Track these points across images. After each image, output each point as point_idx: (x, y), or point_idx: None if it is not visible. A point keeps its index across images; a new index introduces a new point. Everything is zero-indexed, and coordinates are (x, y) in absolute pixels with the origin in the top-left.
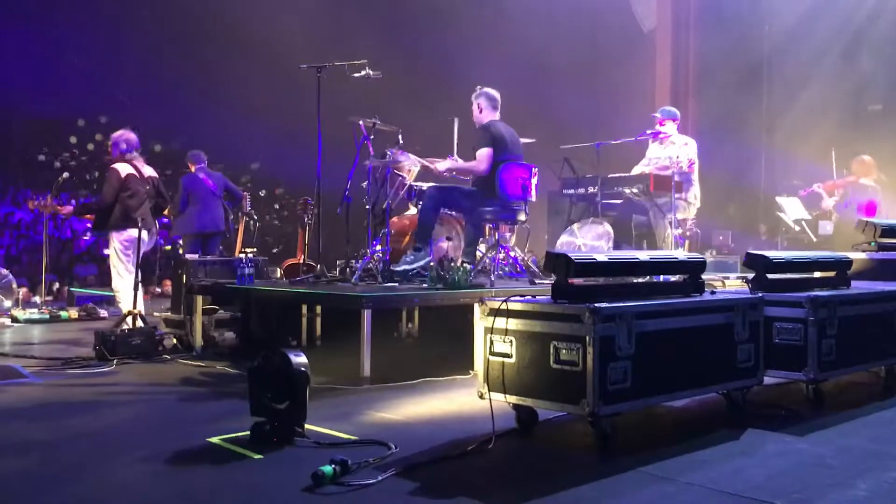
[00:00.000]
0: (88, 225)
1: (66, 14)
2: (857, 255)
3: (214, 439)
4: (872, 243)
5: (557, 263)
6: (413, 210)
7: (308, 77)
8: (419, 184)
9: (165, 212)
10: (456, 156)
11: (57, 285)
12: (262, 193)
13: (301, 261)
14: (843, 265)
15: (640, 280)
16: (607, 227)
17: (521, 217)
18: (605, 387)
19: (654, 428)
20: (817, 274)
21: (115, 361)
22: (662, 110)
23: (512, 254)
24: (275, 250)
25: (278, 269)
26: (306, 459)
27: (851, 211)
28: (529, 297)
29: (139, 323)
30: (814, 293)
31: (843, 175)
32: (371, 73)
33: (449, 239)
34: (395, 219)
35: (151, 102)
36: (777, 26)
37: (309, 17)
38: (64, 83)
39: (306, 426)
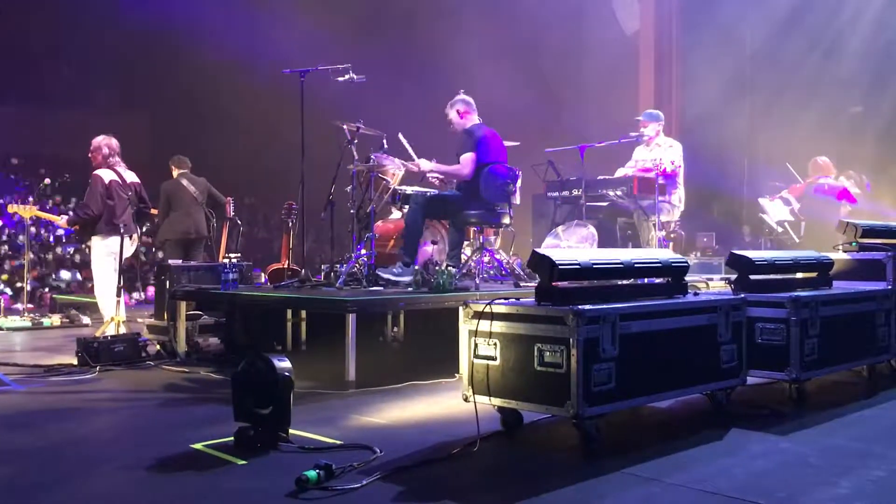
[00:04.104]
0: (65, 229)
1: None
2: (839, 256)
3: (198, 445)
4: (854, 243)
5: (541, 266)
6: (397, 214)
7: (292, 81)
8: (403, 187)
9: (152, 212)
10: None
11: (39, 292)
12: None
13: (286, 265)
14: (824, 266)
15: (624, 282)
16: (591, 230)
17: (506, 220)
18: (589, 388)
19: (638, 429)
20: (799, 275)
21: (97, 368)
22: (646, 113)
23: (497, 257)
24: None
25: (262, 274)
26: (290, 464)
27: (818, 202)
28: (513, 300)
29: (122, 329)
30: (796, 293)
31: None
32: (355, 77)
33: (434, 242)
34: (379, 223)
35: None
36: (759, 29)
37: (291, 21)
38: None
39: (291, 431)
